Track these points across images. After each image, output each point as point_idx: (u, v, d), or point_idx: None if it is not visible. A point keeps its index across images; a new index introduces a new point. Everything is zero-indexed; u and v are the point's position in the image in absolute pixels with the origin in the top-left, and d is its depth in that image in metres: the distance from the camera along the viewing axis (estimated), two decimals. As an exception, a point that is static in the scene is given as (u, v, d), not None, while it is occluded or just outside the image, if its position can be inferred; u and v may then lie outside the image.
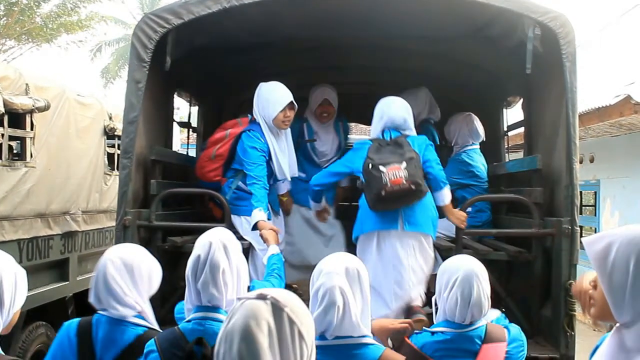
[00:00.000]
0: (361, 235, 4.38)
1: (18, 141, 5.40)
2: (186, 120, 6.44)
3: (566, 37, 4.04)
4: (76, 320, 2.61)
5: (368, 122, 8.63)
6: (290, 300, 1.48)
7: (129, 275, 2.53)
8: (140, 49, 4.20)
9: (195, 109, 6.11)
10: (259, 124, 4.67)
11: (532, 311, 4.36)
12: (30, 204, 5.32)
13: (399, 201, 4.15)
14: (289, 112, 4.63)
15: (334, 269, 2.32)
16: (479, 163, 5.55)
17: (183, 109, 7.93)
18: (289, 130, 4.80)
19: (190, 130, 6.15)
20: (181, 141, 9.18)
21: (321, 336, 2.29)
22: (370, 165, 4.13)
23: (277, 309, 1.44)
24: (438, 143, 5.71)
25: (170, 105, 5.43)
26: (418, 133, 4.74)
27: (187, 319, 2.35)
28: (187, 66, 4.95)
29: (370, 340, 2.33)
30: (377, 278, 4.21)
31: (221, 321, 2.19)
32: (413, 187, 4.08)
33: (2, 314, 2.03)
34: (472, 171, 5.47)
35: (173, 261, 4.29)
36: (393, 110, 4.50)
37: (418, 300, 4.33)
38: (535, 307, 4.35)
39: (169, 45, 4.26)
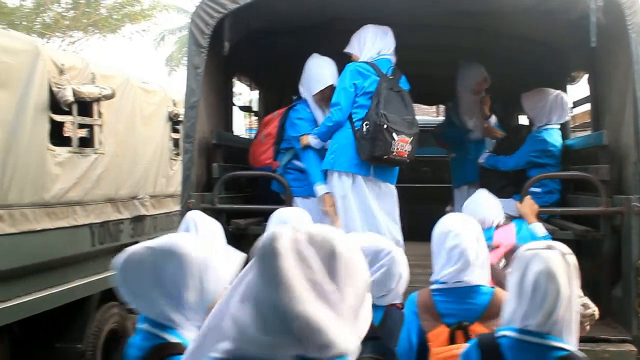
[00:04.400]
0: (337, 172, 4.49)
1: (87, 129, 5.57)
2: (251, 105, 6.50)
3: (631, 7, 3.89)
4: None
5: (424, 102, 8.61)
6: (566, 248, 2.19)
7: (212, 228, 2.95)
8: (198, 34, 4.28)
9: (255, 93, 6.18)
10: (305, 100, 4.78)
11: (602, 292, 4.24)
12: (100, 190, 5.51)
13: (389, 164, 4.46)
14: (329, 92, 4.67)
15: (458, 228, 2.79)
16: (559, 143, 5.34)
17: (246, 95, 8.03)
18: None
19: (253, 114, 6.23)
20: (247, 126, 9.30)
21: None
22: (385, 125, 4.25)
23: (563, 255, 2.16)
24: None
25: (230, 90, 5.51)
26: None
27: None
28: (245, 50, 5.01)
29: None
30: (350, 217, 4.45)
31: (380, 308, 2.54)
32: (408, 160, 4.42)
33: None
34: (550, 150, 5.25)
35: (237, 243, 4.37)
36: (388, 37, 4.62)
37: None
38: (604, 288, 4.23)
39: (226, 30, 4.32)
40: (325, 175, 4.57)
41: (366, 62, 4.50)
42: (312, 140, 4.58)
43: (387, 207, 4.53)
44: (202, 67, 4.24)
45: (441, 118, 9.69)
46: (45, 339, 5.13)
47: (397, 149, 4.26)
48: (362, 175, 4.46)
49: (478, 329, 2.60)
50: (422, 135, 8.44)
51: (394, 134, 4.25)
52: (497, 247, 3.56)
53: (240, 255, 2.02)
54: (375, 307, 2.52)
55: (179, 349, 1.81)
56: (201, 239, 1.98)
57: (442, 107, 11.28)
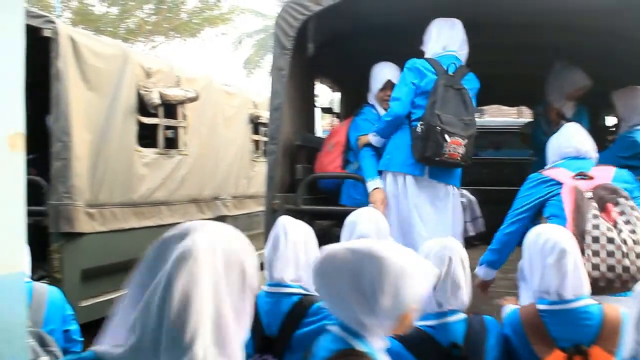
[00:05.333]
0: (390, 172, 4.38)
1: (172, 131, 5.71)
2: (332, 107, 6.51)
3: None
4: None
5: (505, 103, 8.41)
6: None
7: (302, 236, 2.81)
8: (282, 37, 4.32)
9: (337, 95, 6.19)
10: (372, 104, 4.77)
11: None
12: (184, 190, 5.65)
13: (443, 166, 4.26)
14: (391, 91, 4.58)
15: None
16: None
17: (323, 96, 8.06)
18: None
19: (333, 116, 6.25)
20: (323, 127, 9.32)
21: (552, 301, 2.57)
22: (437, 127, 4.10)
23: None
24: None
25: (312, 92, 5.54)
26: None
27: (427, 324, 2.52)
28: (328, 52, 5.01)
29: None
30: (403, 217, 4.32)
31: (460, 321, 2.50)
32: (463, 163, 4.20)
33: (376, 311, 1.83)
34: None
35: (320, 245, 4.38)
36: (455, 31, 4.44)
37: None
38: None
39: (310, 32, 4.34)
40: (380, 176, 4.49)
41: (427, 59, 4.37)
42: (372, 138, 4.52)
43: (441, 209, 4.37)
44: (287, 69, 4.27)
45: (522, 119, 9.46)
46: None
47: (449, 150, 4.10)
48: (416, 176, 4.31)
49: (597, 352, 2.47)
50: (503, 137, 8.28)
51: (446, 136, 4.10)
52: (591, 178, 3.43)
53: (435, 270, 2.02)
54: (453, 324, 2.48)
55: (363, 358, 1.80)
56: (399, 247, 1.98)
57: (523, 108, 11.06)
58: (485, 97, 6.20)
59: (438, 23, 4.47)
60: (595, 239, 3.15)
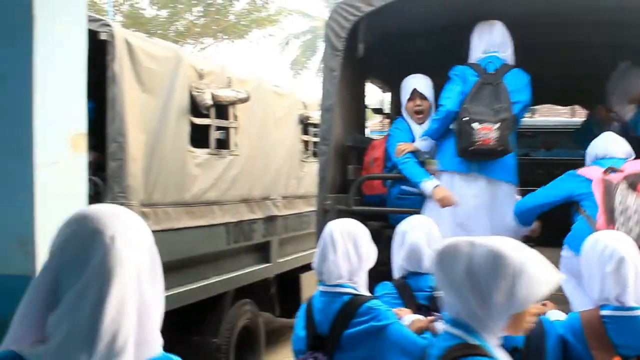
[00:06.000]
0: (445, 173, 4.40)
1: (223, 131, 5.76)
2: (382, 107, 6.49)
3: None
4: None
5: (558, 102, 8.23)
6: None
7: (352, 242, 2.77)
8: (334, 38, 4.33)
9: (387, 96, 6.17)
10: (404, 117, 4.77)
11: None
12: (235, 190, 5.69)
13: (484, 157, 4.24)
14: (419, 100, 4.61)
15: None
16: None
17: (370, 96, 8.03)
18: None
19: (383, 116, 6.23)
20: (371, 128, 9.30)
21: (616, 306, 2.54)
22: (464, 118, 4.13)
23: None
24: None
25: (363, 92, 5.53)
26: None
27: None
28: (379, 52, 5.00)
29: None
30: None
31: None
32: (500, 148, 4.15)
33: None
34: None
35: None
36: (495, 33, 4.47)
37: None
38: None
39: (361, 32, 4.35)
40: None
41: (469, 65, 4.39)
42: (419, 142, 4.49)
43: (485, 205, 4.31)
44: (338, 70, 4.29)
45: (576, 119, 9.25)
46: (183, 332, 5.36)
47: (480, 137, 4.09)
48: (463, 173, 4.30)
49: None
50: (555, 137, 8.10)
51: (475, 124, 4.11)
52: (621, 171, 3.68)
53: (559, 276, 1.97)
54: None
55: (478, 350, 1.78)
56: (524, 247, 1.93)
57: (576, 108, 10.81)
58: (537, 96, 6.08)
59: (479, 27, 4.51)
60: (624, 210, 3.42)
